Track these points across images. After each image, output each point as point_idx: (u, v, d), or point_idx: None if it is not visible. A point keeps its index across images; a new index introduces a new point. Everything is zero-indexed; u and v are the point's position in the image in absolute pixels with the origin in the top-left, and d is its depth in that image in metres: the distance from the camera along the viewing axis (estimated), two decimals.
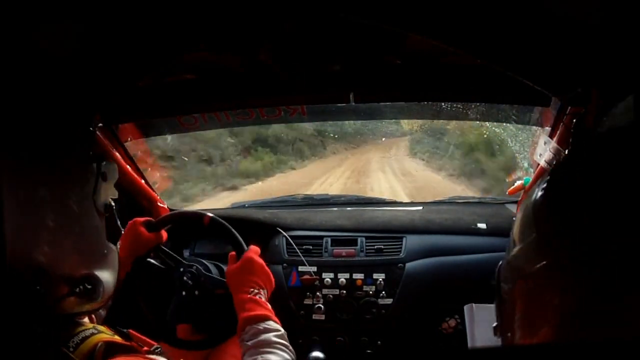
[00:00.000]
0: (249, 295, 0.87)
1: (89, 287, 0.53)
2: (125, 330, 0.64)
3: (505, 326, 0.51)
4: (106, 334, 0.56)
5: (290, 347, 0.80)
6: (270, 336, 0.79)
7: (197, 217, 1.06)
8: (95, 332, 0.55)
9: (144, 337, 0.74)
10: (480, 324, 0.90)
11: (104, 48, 0.60)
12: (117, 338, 0.57)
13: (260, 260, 0.95)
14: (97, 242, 0.57)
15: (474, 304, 0.92)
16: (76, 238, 0.53)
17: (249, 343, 0.78)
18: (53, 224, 0.49)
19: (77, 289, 0.51)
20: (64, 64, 0.56)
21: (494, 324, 0.57)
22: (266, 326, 0.81)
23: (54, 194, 0.50)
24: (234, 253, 0.97)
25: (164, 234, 1.08)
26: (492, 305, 0.89)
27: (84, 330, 0.55)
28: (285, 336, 0.81)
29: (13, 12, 0.47)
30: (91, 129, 0.62)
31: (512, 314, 0.47)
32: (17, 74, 0.48)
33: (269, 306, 0.87)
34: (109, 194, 0.60)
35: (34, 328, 0.49)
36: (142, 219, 1.05)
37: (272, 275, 0.94)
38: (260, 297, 0.87)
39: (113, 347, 0.54)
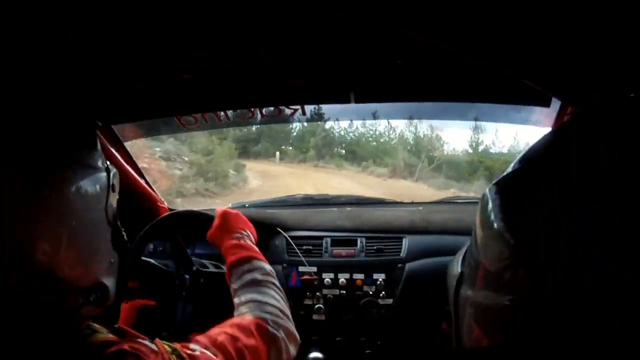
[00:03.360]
0: (233, 241, 0.84)
1: (100, 295, 0.55)
2: (116, 326, 0.64)
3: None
4: (101, 333, 0.56)
5: (278, 284, 0.77)
6: (256, 275, 0.76)
7: (163, 221, 1.10)
8: (90, 332, 0.55)
9: (138, 334, 0.74)
10: None
11: (104, 48, 0.60)
12: (111, 337, 0.57)
13: (234, 211, 0.93)
14: (106, 252, 0.58)
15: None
16: (89, 249, 0.55)
17: (235, 286, 0.76)
18: (69, 237, 0.50)
19: (91, 298, 0.53)
20: (68, 70, 0.57)
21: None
22: (250, 267, 0.78)
23: (69, 206, 0.51)
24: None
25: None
26: None
27: (84, 329, 0.55)
28: (273, 273, 0.79)
29: (15, 12, 0.47)
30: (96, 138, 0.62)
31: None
32: (24, 82, 0.49)
33: (256, 248, 0.84)
34: (115, 205, 0.60)
35: (39, 330, 0.49)
36: None
37: (249, 222, 0.92)
38: (245, 241, 0.85)
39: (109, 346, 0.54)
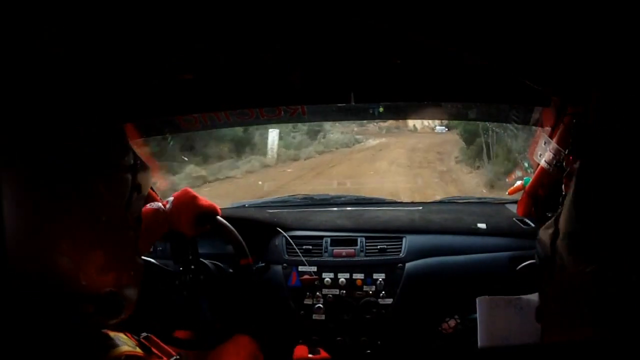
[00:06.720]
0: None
1: (113, 304, 0.51)
2: (145, 335, 0.63)
3: (547, 318, 0.52)
4: (128, 346, 0.54)
5: None
6: None
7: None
8: (119, 343, 0.53)
9: (163, 344, 0.74)
10: (496, 317, 0.88)
11: (103, 48, 0.60)
12: (138, 351, 0.56)
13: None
14: (126, 258, 0.55)
15: (487, 297, 0.91)
16: (106, 253, 0.50)
17: None
18: (82, 238, 0.47)
19: (102, 308, 0.49)
20: (86, 71, 0.55)
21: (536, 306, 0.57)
22: None
23: (84, 205, 0.47)
24: None
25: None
26: (507, 298, 0.88)
27: (105, 341, 0.53)
28: None
29: (23, 18, 0.47)
30: (124, 137, 0.58)
31: (554, 308, 0.48)
32: (47, 84, 0.46)
33: None
34: (141, 207, 0.57)
35: (56, 340, 0.47)
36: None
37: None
38: None
39: None
